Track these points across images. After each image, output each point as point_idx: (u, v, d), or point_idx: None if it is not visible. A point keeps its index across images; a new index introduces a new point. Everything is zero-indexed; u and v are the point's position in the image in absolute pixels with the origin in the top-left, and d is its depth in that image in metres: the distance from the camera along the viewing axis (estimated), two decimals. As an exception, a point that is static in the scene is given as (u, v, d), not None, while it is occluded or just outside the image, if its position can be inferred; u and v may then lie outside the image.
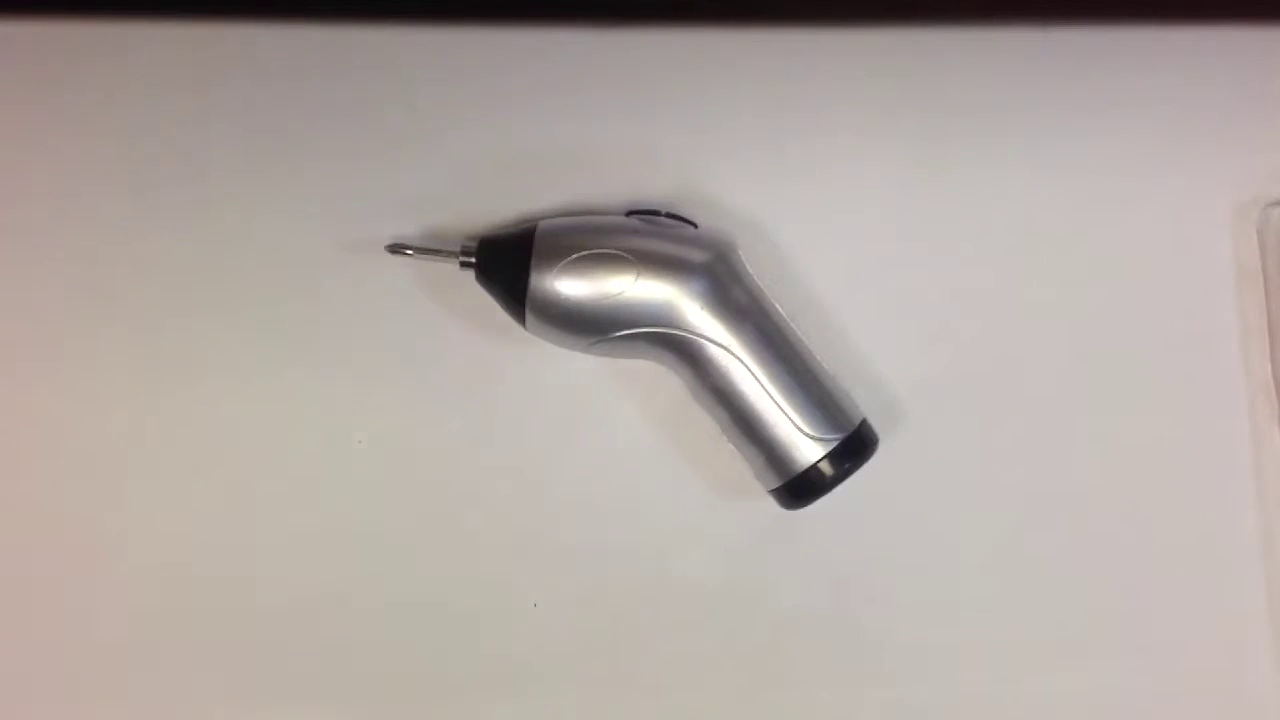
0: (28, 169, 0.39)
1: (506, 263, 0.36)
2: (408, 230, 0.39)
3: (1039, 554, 0.40)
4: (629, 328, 0.35)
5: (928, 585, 0.40)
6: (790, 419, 0.35)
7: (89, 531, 0.38)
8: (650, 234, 0.36)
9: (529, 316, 0.36)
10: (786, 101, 0.41)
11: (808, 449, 0.35)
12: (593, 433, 0.40)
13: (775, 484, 0.36)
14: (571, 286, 0.35)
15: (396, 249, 0.38)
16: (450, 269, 0.37)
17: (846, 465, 0.36)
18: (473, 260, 0.37)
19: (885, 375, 0.40)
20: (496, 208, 0.39)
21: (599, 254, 0.35)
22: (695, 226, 0.38)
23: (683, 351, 0.36)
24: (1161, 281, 0.41)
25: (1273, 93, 0.41)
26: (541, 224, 0.36)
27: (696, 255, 0.36)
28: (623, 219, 0.37)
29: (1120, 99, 0.41)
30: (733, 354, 0.35)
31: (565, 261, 0.35)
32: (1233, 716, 0.40)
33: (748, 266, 0.37)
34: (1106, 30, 0.41)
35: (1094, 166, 0.41)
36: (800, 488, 0.36)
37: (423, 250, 0.38)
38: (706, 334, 0.35)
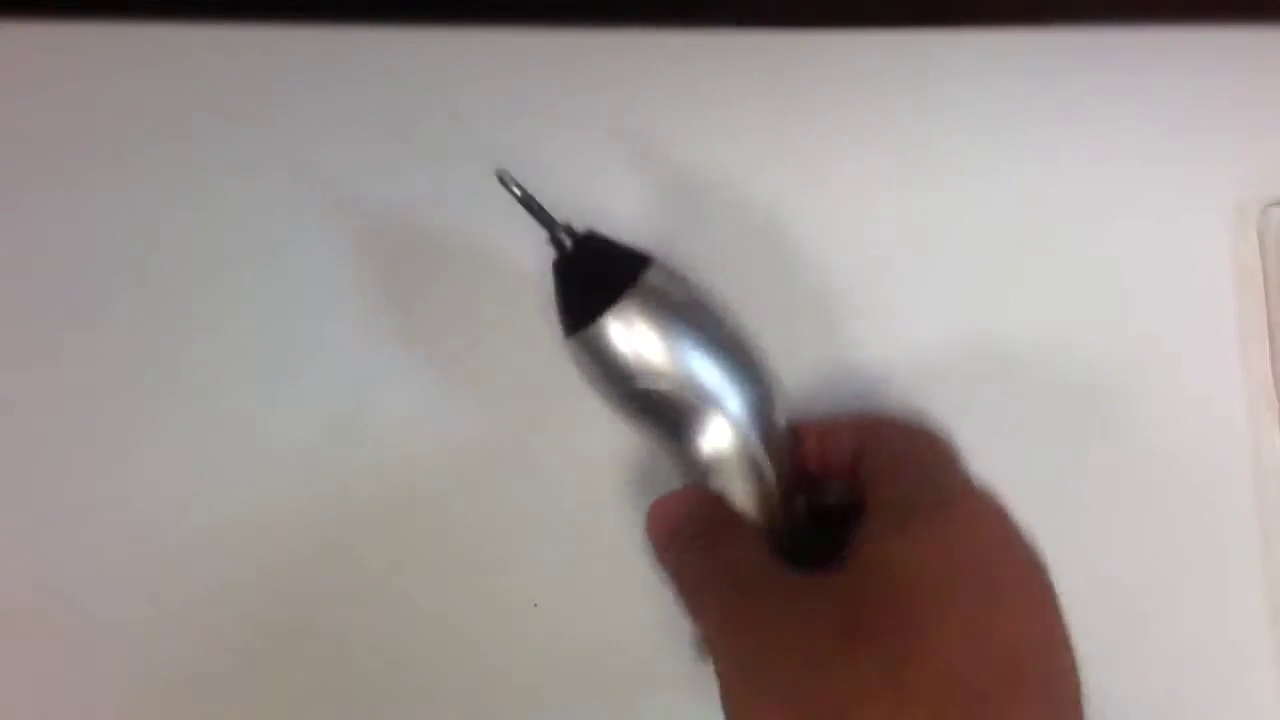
0: (27, 168, 0.39)
1: (603, 271, 0.33)
2: (407, 229, 0.39)
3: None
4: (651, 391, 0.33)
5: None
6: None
7: (79, 516, 0.38)
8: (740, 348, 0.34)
9: (584, 335, 0.32)
10: (786, 102, 0.41)
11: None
12: (593, 432, 0.40)
13: None
14: (642, 336, 0.32)
15: (506, 179, 0.33)
16: (466, 253, 0.37)
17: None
18: (568, 244, 0.33)
19: (884, 375, 0.40)
20: (495, 207, 0.39)
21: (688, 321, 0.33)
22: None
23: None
24: (1161, 281, 0.41)
25: (1273, 93, 0.41)
26: (659, 261, 0.33)
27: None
28: (730, 313, 0.34)
29: (1120, 99, 0.41)
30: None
31: (660, 308, 0.32)
32: (1233, 717, 0.40)
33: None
34: (1106, 30, 0.41)
35: (1093, 166, 0.41)
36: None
37: (529, 201, 0.33)
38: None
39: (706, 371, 0.32)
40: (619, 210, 0.39)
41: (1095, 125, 0.41)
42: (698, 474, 0.34)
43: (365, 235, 0.39)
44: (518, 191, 0.34)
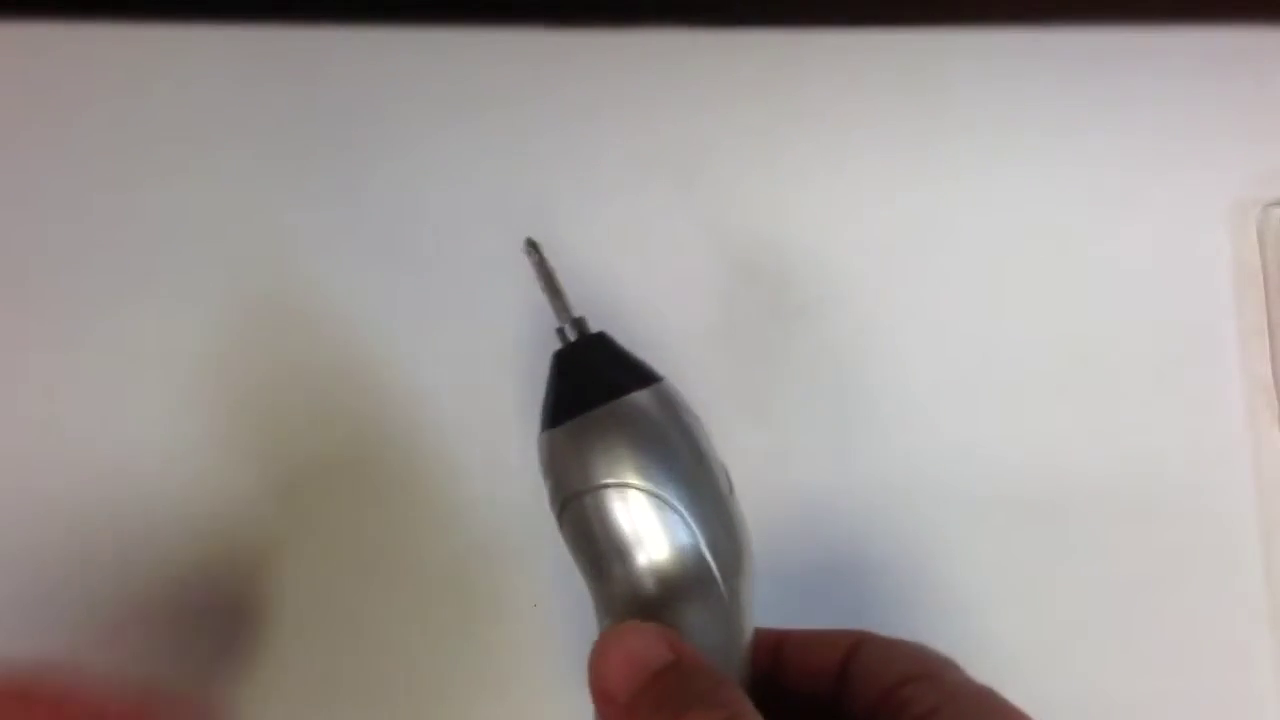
0: (27, 168, 0.39)
1: (604, 374, 0.30)
2: (407, 229, 0.39)
3: (1037, 555, 0.40)
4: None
5: (923, 587, 0.40)
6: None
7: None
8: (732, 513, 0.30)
9: (567, 428, 0.29)
10: (786, 102, 0.41)
11: None
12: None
13: None
14: (625, 447, 0.29)
15: (534, 249, 0.31)
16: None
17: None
18: (574, 339, 0.31)
19: (882, 375, 0.40)
20: (490, 204, 0.39)
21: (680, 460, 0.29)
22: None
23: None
24: (1161, 281, 0.41)
25: (1273, 93, 0.41)
26: (665, 382, 0.30)
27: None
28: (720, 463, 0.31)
29: (1120, 99, 0.41)
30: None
31: (644, 428, 0.29)
32: (1233, 717, 0.40)
33: None
34: (1106, 30, 0.41)
35: (1093, 166, 0.41)
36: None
37: (546, 274, 0.31)
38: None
39: (678, 494, 0.29)
40: (617, 209, 0.39)
41: (1095, 125, 0.41)
42: (643, 612, 0.29)
43: (366, 232, 0.39)
44: (541, 265, 0.31)
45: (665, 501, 0.29)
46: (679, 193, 0.40)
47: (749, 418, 0.39)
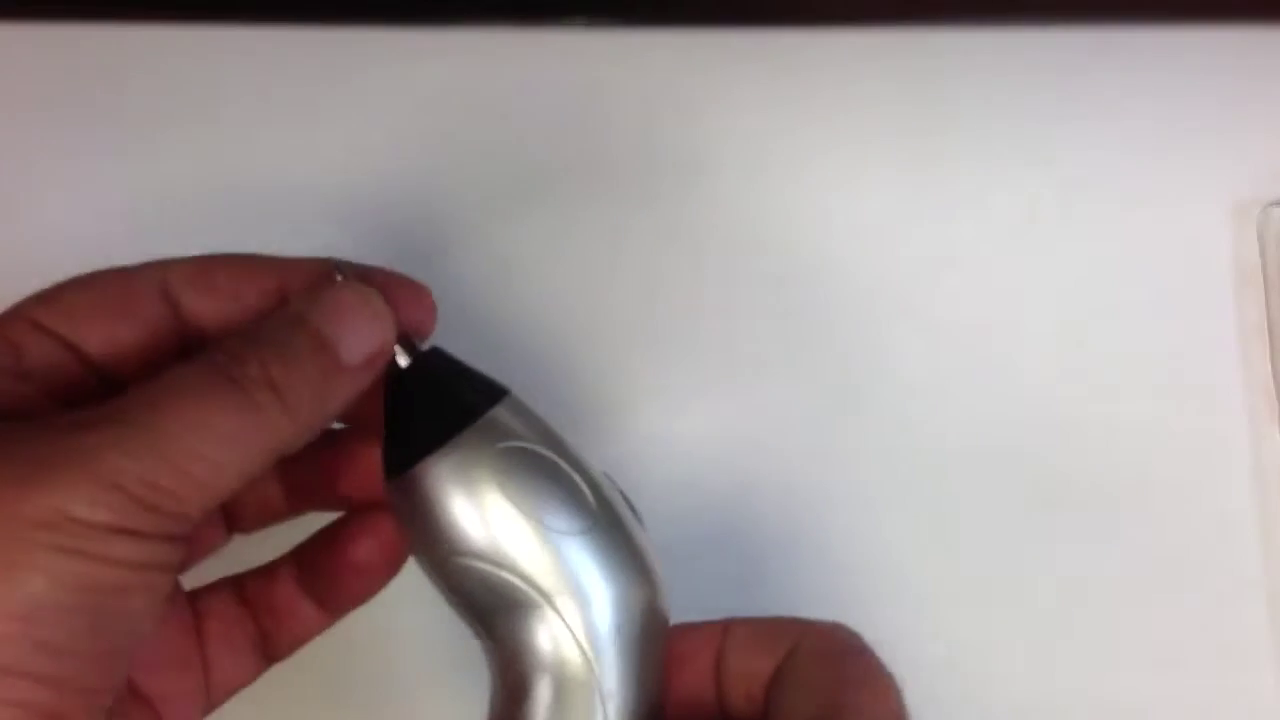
0: (26, 169, 0.40)
1: (442, 401, 0.26)
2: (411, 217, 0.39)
3: (1035, 555, 0.40)
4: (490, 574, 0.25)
5: (920, 587, 0.40)
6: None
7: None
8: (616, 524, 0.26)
9: (406, 479, 0.25)
10: (784, 103, 0.41)
11: None
12: (597, 433, 0.40)
13: None
14: (494, 485, 0.24)
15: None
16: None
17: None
18: (407, 362, 0.26)
19: (881, 375, 0.40)
20: (490, 203, 0.39)
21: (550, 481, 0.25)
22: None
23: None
24: (1161, 281, 0.41)
25: (1273, 93, 0.41)
26: (513, 396, 0.27)
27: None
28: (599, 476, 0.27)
29: (1120, 99, 0.41)
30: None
31: (511, 458, 0.25)
32: (1233, 717, 0.40)
33: None
34: (1107, 30, 0.41)
35: (1093, 166, 0.41)
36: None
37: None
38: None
39: (557, 555, 0.25)
40: (618, 209, 0.39)
41: (1094, 125, 0.41)
42: (514, 699, 0.26)
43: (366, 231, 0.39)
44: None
45: (523, 576, 0.25)
46: (677, 193, 0.40)
47: (747, 418, 0.39)
